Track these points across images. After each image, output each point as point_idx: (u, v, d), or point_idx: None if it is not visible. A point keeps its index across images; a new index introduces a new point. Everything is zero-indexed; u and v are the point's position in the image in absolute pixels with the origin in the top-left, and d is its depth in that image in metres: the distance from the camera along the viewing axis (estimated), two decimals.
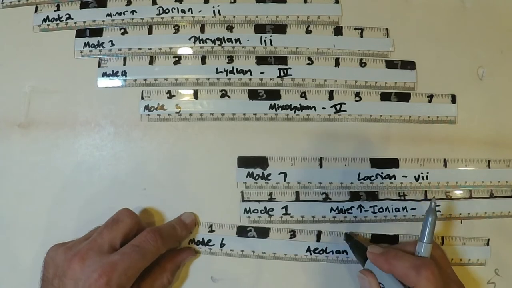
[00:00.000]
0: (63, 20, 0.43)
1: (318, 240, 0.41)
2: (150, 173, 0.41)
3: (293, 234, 0.41)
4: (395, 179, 0.42)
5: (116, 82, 0.42)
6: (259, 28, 0.43)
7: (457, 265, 0.41)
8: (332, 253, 0.41)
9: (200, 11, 0.43)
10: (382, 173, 0.42)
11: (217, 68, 0.42)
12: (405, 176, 0.42)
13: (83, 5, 0.43)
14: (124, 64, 0.42)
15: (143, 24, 0.43)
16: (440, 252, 0.38)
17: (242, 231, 0.41)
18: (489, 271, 0.42)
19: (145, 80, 0.42)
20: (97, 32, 0.43)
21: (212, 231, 0.41)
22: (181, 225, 0.39)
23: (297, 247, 0.41)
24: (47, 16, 0.43)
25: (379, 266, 0.35)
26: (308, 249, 0.41)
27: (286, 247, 0.41)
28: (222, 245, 0.41)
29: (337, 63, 0.43)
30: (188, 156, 0.42)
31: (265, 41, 0.43)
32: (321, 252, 0.41)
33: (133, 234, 0.36)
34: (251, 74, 0.42)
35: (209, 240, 0.41)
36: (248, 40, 0.43)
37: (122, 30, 0.43)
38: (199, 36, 0.43)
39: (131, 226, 0.36)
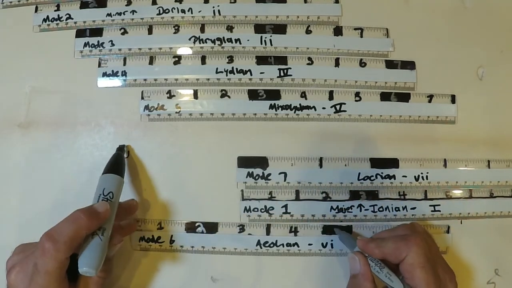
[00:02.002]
0: (63, 20, 0.43)
1: (268, 233, 0.41)
2: (150, 173, 0.41)
3: (241, 228, 0.41)
4: (395, 179, 0.42)
5: (116, 82, 0.42)
6: (259, 28, 0.43)
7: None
8: (283, 246, 0.41)
9: (200, 11, 0.43)
10: (382, 173, 0.42)
11: (217, 68, 0.42)
12: (405, 176, 0.42)
13: (83, 5, 0.44)
14: (124, 64, 0.43)
15: (143, 24, 0.43)
16: (427, 233, 0.38)
17: (190, 227, 0.41)
18: (489, 271, 0.42)
19: (145, 80, 0.42)
20: (97, 32, 0.43)
21: (161, 228, 0.41)
22: (88, 213, 0.33)
23: (246, 241, 0.41)
24: (47, 16, 0.43)
25: (370, 253, 0.36)
26: (258, 243, 0.41)
27: (235, 241, 0.41)
28: (171, 241, 0.41)
29: (337, 63, 0.43)
30: (188, 156, 0.42)
31: (265, 41, 0.43)
32: (272, 245, 0.41)
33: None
34: (251, 74, 0.42)
35: (159, 237, 0.41)
36: (248, 40, 0.43)
37: (122, 30, 0.43)
38: (199, 36, 0.43)
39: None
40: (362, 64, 0.43)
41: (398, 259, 0.35)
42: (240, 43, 0.43)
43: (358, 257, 0.36)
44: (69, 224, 0.33)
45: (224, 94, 0.42)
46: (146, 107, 0.42)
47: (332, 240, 0.41)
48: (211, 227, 0.41)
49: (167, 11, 0.43)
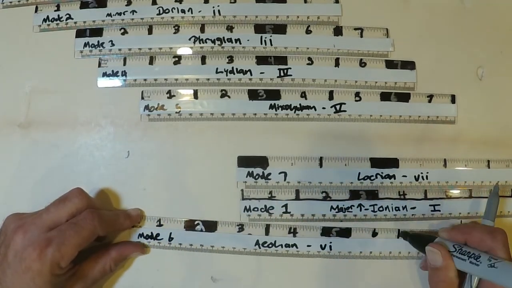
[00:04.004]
0: (63, 20, 0.43)
1: (267, 234, 0.41)
2: (150, 173, 0.41)
3: (240, 227, 0.41)
4: (395, 179, 0.42)
5: (116, 82, 0.42)
6: (259, 28, 0.43)
7: None
8: (282, 247, 0.41)
9: (200, 11, 0.43)
10: (382, 173, 0.42)
11: (217, 68, 0.42)
12: (405, 176, 0.42)
13: (83, 5, 0.44)
14: (124, 64, 0.43)
15: (143, 24, 0.43)
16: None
17: (189, 225, 0.41)
18: None
19: (145, 80, 0.42)
20: (97, 32, 0.43)
21: (160, 225, 0.41)
22: (124, 215, 0.40)
23: (245, 240, 0.41)
24: (47, 16, 0.43)
25: (454, 238, 0.37)
26: (257, 243, 0.41)
27: (234, 240, 0.41)
28: (170, 239, 0.41)
29: (337, 63, 0.43)
30: (188, 156, 0.42)
31: (265, 41, 0.43)
32: (270, 245, 0.41)
33: None
34: (251, 74, 0.42)
35: (158, 234, 0.41)
36: (248, 40, 0.43)
37: (122, 30, 0.43)
38: (199, 36, 0.43)
39: (79, 207, 0.36)
40: (362, 64, 0.43)
41: (481, 248, 0.35)
42: (240, 43, 0.43)
43: (438, 249, 0.36)
44: (113, 215, 0.39)
45: (224, 94, 0.42)
46: (146, 107, 0.42)
47: (331, 242, 0.41)
48: (210, 226, 0.41)
49: (167, 11, 0.43)
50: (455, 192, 0.42)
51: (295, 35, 0.43)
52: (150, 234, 0.41)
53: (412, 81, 0.43)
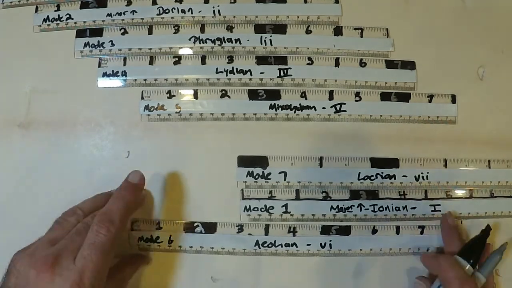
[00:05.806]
0: (63, 20, 0.43)
1: (266, 234, 0.41)
2: (150, 173, 0.41)
3: (240, 228, 0.41)
4: (395, 178, 0.42)
5: (116, 82, 0.42)
6: (259, 28, 0.43)
7: None
8: (282, 246, 0.41)
9: (200, 11, 0.43)
10: (382, 172, 0.41)
11: (217, 68, 0.42)
12: (405, 176, 0.42)
13: (83, 5, 0.44)
14: (124, 64, 0.43)
15: (143, 24, 0.43)
16: None
17: (189, 227, 0.41)
18: None
19: (145, 80, 0.42)
20: (97, 32, 0.43)
21: (160, 228, 0.41)
22: (129, 189, 0.37)
23: (245, 241, 0.41)
24: (47, 16, 0.43)
25: (429, 266, 0.39)
26: (257, 243, 0.41)
27: (234, 241, 0.41)
28: (170, 241, 0.41)
29: (337, 63, 0.43)
30: (188, 156, 0.42)
31: (265, 41, 0.43)
32: (270, 245, 0.41)
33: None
34: (251, 74, 0.42)
35: (157, 237, 0.41)
36: (248, 40, 0.43)
37: (122, 30, 0.43)
38: (199, 36, 0.43)
39: (79, 219, 0.35)
40: (362, 64, 0.43)
41: None
42: (240, 43, 0.43)
43: (424, 284, 0.38)
44: (118, 202, 0.35)
45: (224, 94, 0.42)
46: (146, 107, 0.42)
47: (330, 240, 0.41)
48: (210, 227, 0.41)
49: (167, 11, 0.43)
50: (455, 192, 0.42)
51: (295, 35, 0.43)
52: (149, 237, 0.41)
53: (412, 81, 0.43)
